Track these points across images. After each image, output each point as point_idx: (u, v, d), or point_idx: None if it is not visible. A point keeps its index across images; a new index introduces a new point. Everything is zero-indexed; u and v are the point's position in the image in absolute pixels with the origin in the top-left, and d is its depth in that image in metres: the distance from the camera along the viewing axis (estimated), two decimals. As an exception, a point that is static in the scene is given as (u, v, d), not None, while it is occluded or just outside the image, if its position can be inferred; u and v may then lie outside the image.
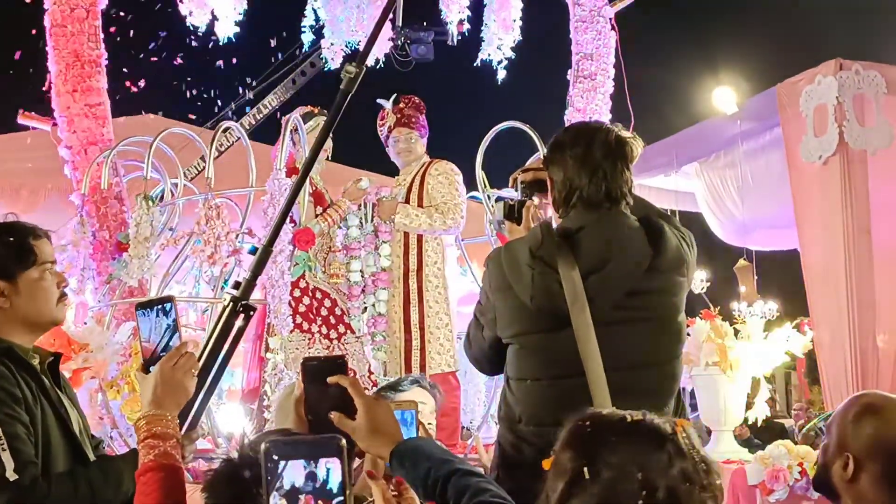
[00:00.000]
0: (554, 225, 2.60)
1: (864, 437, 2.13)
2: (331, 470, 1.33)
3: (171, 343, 2.17)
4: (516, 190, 2.76)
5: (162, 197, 5.10)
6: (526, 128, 5.14)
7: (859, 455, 2.12)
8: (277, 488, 1.31)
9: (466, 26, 6.11)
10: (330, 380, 1.79)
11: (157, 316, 2.20)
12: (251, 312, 2.33)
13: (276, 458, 1.32)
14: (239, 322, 2.27)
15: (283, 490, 1.32)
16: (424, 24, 6.49)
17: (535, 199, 2.74)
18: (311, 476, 1.32)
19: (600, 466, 1.50)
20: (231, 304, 2.27)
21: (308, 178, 4.82)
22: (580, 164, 2.55)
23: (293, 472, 1.32)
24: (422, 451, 1.87)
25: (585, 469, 1.50)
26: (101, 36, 5.57)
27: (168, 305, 2.20)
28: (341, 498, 1.32)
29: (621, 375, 2.36)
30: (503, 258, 2.55)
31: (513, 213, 2.73)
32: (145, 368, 2.17)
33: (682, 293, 2.58)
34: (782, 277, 8.73)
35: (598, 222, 2.51)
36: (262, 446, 1.33)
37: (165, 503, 1.89)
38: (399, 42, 6.41)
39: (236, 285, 2.31)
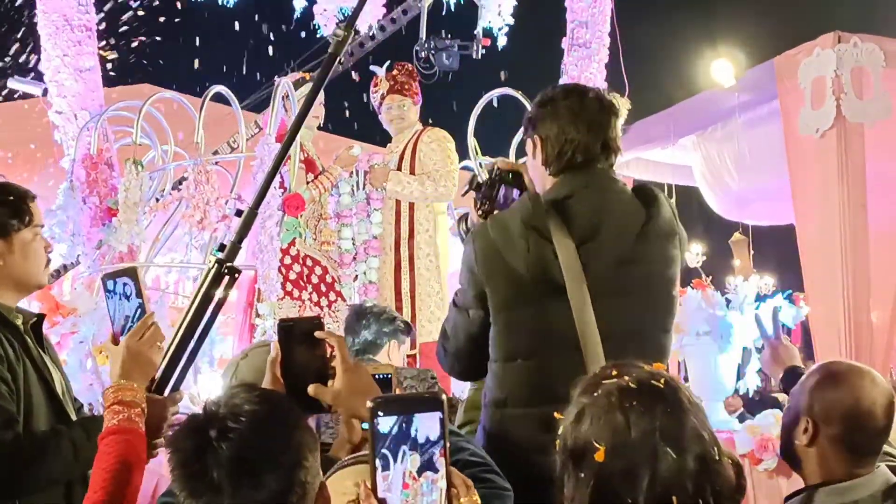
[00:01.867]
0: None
1: (823, 402, 2.19)
2: (432, 426, 1.32)
3: (137, 315, 2.19)
4: (490, 173, 2.65)
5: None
6: (518, 95, 5.10)
7: (817, 419, 2.17)
8: (386, 445, 1.31)
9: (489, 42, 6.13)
10: (318, 334, 1.78)
11: (123, 288, 2.22)
12: (236, 275, 2.32)
13: (380, 414, 1.31)
14: (224, 284, 2.26)
15: (387, 446, 1.32)
16: (449, 35, 6.51)
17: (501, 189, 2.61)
18: (415, 432, 1.32)
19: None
20: (216, 266, 2.27)
21: (299, 145, 4.80)
22: (575, 115, 2.48)
23: (398, 428, 1.32)
24: None
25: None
26: (92, 0, 5.51)
27: (132, 277, 2.22)
28: (441, 453, 1.32)
29: (612, 346, 2.28)
30: (491, 231, 2.44)
31: (479, 188, 2.64)
32: (115, 340, 2.19)
33: (675, 267, 2.51)
34: (778, 251, 8.71)
35: (586, 188, 2.45)
36: (368, 404, 1.32)
37: (122, 464, 1.93)
38: (423, 55, 6.42)
39: (221, 248, 2.30)
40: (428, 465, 1.32)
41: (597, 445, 1.45)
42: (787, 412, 2.31)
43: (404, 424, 1.32)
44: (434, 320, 5.14)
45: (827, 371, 2.26)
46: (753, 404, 7.79)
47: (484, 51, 6.16)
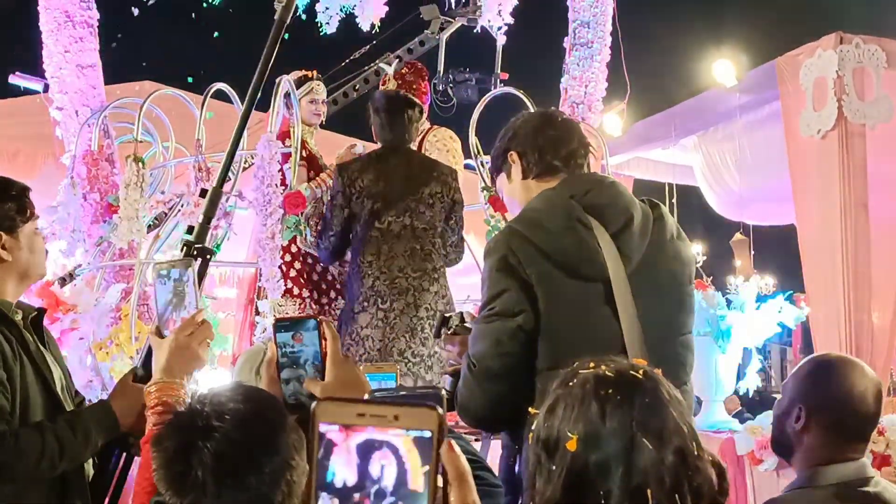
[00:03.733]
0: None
1: (815, 391, 2.26)
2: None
3: (184, 309, 2.16)
4: (455, 321, 2.66)
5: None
6: (521, 94, 5.08)
7: (810, 407, 2.22)
8: None
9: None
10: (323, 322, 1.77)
11: (174, 280, 2.18)
12: (208, 256, 2.32)
13: None
14: (196, 265, 2.24)
15: None
16: (467, 68, 6.53)
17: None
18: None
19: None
20: (185, 248, 2.26)
21: (301, 142, 4.79)
22: (544, 123, 2.59)
23: None
24: None
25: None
26: (94, -3, 5.52)
27: (186, 271, 2.17)
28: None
29: (652, 349, 2.24)
30: (526, 231, 2.36)
31: (446, 322, 2.66)
32: (159, 333, 2.17)
33: (692, 265, 2.53)
34: (779, 252, 8.71)
35: (601, 184, 2.46)
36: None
37: None
38: (441, 88, 6.44)
39: (190, 230, 2.29)
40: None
41: (569, 435, 1.40)
42: (778, 403, 2.36)
43: None
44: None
45: (818, 362, 2.34)
46: (755, 404, 7.79)
47: (502, 84, 6.18)
